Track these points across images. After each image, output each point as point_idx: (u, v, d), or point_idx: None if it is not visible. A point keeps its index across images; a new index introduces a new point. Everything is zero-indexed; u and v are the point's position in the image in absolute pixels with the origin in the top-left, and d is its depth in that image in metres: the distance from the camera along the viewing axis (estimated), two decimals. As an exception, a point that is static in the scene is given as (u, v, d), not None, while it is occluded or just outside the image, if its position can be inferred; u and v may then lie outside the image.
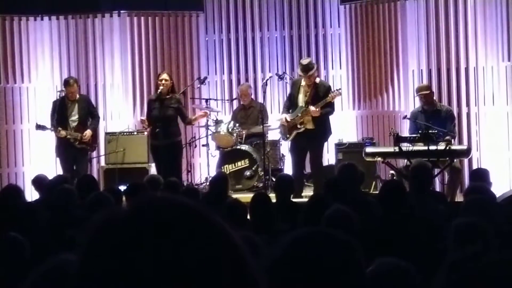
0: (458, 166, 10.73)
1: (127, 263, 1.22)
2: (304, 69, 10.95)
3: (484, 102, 12.05)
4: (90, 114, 11.71)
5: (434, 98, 11.23)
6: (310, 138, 10.86)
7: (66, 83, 11.57)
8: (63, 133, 11.28)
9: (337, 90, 11.32)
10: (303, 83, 11.05)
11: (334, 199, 6.19)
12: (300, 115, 10.91)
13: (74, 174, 11.05)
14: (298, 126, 10.93)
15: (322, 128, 10.90)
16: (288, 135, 11.10)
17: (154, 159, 11.26)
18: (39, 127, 11.50)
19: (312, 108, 10.76)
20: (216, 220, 1.28)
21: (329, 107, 10.95)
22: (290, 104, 11.16)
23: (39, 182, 8.79)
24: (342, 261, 1.90)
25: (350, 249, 1.93)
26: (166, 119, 10.97)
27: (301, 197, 10.35)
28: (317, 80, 11.13)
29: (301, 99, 11.00)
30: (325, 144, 11.56)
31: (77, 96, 11.60)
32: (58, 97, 11.69)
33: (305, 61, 11.20)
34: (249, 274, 1.28)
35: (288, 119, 11.01)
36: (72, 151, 11.36)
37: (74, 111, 11.50)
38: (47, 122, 11.52)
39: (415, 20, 12.32)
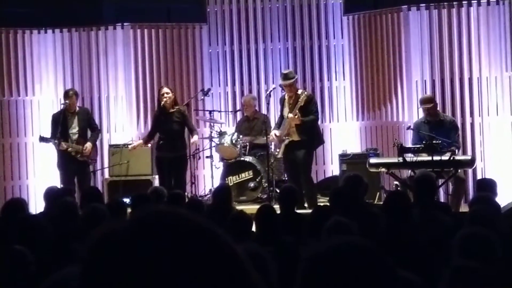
0: (462, 176, 10.71)
1: (127, 276, 1.22)
2: (284, 77, 11.02)
3: (488, 113, 12.05)
4: (89, 127, 11.70)
5: (438, 109, 11.23)
6: (297, 150, 10.86)
7: (66, 94, 11.57)
8: (64, 146, 11.27)
9: (306, 92, 11.41)
10: (286, 97, 11.08)
11: (339, 210, 6.18)
12: (284, 126, 10.94)
13: (78, 187, 11.08)
14: (283, 138, 10.95)
15: (307, 138, 10.86)
16: (278, 150, 11.11)
17: (158, 171, 11.27)
18: (43, 139, 11.50)
19: (290, 115, 10.77)
20: (218, 233, 1.28)
21: (312, 114, 10.95)
22: (281, 121, 11.19)
23: (48, 194, 8.75)
24: (379, 273, 1.90)
25: (385, 261, 1.93)
26: (171, 133, 10.99)
27: (304, 208, 10.36)
28: (299, 91, 11.14)
29: (286, 112, 11.03)
30: (314, 154, 11.47)
31: (77, 108, 11.60)
32: (58, 110, 11.72)
33: (286, 70, 11.36)
34: (251, 287, 1.28)
35: (277, 134, 11.03)
36: (73, 164, 11.34)
37: (74, 124, 11.49)
38: (49, 135, 11.51)
39: (419, 30, 12.33)
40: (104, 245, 1.27)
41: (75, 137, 11.45)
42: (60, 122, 11.37)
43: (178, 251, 1.24)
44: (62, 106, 11.82)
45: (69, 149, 11.31)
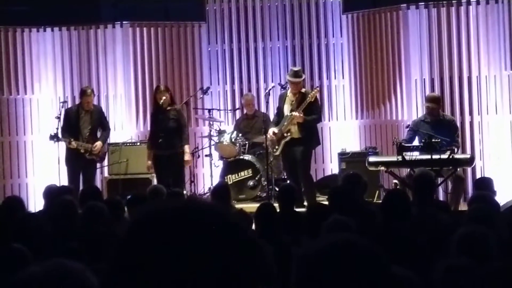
0: (461, 175, 10.71)
1: (167, 256, 1.25)
2: (294, 75, 11.00)
3: (487, 111, 12.05)
4: (101, 125, 11.69)
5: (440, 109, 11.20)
6: (296, 148, 10.85)
7: (84, 92, 11.55)
8: (74, 144, 11.26)
9: (315, 88, 11.42)
10: (289, 94, 11.07)
11: (338, 208, 6.18)
12: (285, 124, 10.93)
13: (83, 184, 11.10)
14: (285, 135, 10.94)
15: (308, 137, 10.87)
16: (277, 147, 11.08)
17: (155, 169, 11.23)
18: (53, 137, 11.39)
19: (295, 113, 10.76)
20: (245, 227, 1.31)
21: (315, 114, 10.95)
22: (278, 118, 11.18)
23: (47, 192, 8.74)
24: (376, 272, 1.90)
25: (382, 260, 1.93)
26: (168, 130, 11.00)
27: (303, 206, 10.35)
28: (303, 90, 11.14)
29: (286, 109, 11.02)
30: (313, 153, 11.47)
31: (92, 106, 11.60)
32: (64, 107, 11.70)
33: (296, 68, 11.38)
34: (268, 273, 1.31)
35: (276, 131, 11.01)
36: (81, 162, 11.34)
37: (87, 122, 11.48)
38: (53, 132, 11.50)
39: (418, 29, 12.33)
40: (152, 223, 1.29)
41: (86, 135, 11.44)
42: (73, 119, 11.39)
43: (209, 243, 1.27)
44: (61, 104, 11.84)
45: (78, 147, 11.31)
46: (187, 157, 11.24)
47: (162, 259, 1.24)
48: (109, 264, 1.30)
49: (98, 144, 11.41)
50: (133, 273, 1.26)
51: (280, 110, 11.21)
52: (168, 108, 11.12)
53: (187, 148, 11.29)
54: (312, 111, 10.88)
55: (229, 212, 1.33)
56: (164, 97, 11.05)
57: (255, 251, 1.30)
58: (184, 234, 1.26)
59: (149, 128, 11.99)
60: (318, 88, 11.71)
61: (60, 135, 11.35)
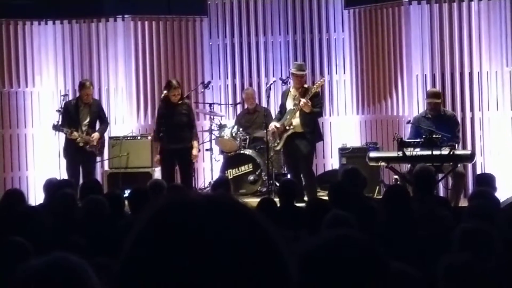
0: (462, 171, 10.71)
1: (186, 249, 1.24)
2: (299, 68, 11.03)
3: (488, 107, 12.04)
4: (99, 119, 11.67)
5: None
6: (298, 142, 10.83)
7: (82, 85, 11.55)
8: (75, 134, 11.26)
9: (321, 78, 11.53)
10: (291, 90, 11.08)
11: (338, 204, 6.19)
12: (289, 116, 10.92)
13: (83, 177, 11.08)
14: (287, 128, 10.93)
15: (310, 131, 10.86)
16: (278, 141, 11.06)
17: (162, 162, 11.11)
18: (56, 127, 11.37)
19: (303, 100, 10.72)
20: (267, 223, 1.31)
21: (318, 107, 10.94)
22: (281, 116, 11.16)
23: (47, 186, 8.73)
24: (371, 266, 1.90)
25: (377, 254, 1.93)
26: (180, 125, 10.92)
27: (304, 201, 10.35)
28: (305, 85, 11.14)
29: (290, 104, 11.01)
30: (315, 149, 11.47)
31: (91, 99, 11.59)
32: (64, 100, 11.69)
33: (299, 62, 11.54)
34: (285, 270, 1.31)
35: (278, 125, 11.01)
36: (80, 154, 11.32)
37: (86, 114, 11.47)
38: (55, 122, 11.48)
39: (419, 24, 12.32)
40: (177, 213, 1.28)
41: (85, 128, 11.43)
42: (72, 112, 11.38)
43: (242, 235, 1.30)
44: (62, 98, 11.83)
45: (78, 139, 11.29)
46: (195, 151, 11.22)
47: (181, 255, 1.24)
48: (123, 257, 1.28)
49: (96, 134, 11.40)
50: (150, 266, 1.25)
51: (282, 107, 11.19)
52: (179, 102, 11.06)
53: (195, 143, 11.26)
54: (315, 105, 10.88)
55: (247, 207, 1.33)
56: (177, 93, 10.99)
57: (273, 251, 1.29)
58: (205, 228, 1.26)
59: (150, 122, 11.97)
60: (324, 79, 11.72)
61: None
